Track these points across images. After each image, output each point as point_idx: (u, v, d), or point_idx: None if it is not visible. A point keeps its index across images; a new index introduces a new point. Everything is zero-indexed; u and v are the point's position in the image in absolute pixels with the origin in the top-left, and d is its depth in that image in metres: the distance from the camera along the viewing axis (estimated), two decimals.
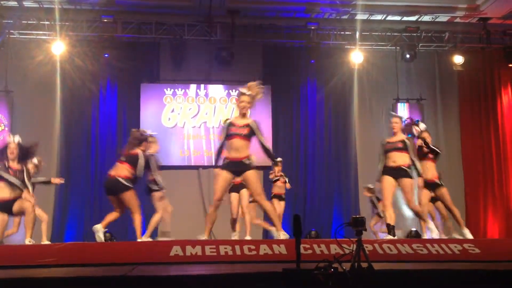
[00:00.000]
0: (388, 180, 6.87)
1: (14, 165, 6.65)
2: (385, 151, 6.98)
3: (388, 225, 6.79)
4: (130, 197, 6.73)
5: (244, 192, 8.16)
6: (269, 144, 6.60)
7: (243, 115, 6.18)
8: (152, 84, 11.46)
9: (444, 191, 7.59)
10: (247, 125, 6.06)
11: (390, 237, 6.57)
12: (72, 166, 10.96)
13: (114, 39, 10.68)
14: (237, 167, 6.03)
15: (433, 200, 7.83)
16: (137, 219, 6.82)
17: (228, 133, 6.09)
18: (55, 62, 10.50)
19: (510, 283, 3.87)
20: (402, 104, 11.72)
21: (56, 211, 10.54)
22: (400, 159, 6.85)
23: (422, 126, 8.06)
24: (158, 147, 7.78)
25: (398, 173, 6.81)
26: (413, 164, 6.86)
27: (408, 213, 11.49)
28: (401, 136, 6.98)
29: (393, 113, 7.97)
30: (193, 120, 11.40)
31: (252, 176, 6.04)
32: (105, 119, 11.20)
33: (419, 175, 6.92)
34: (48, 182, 8.53)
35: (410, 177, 6.81)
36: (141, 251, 5.51)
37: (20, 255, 5.37)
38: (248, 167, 6.00)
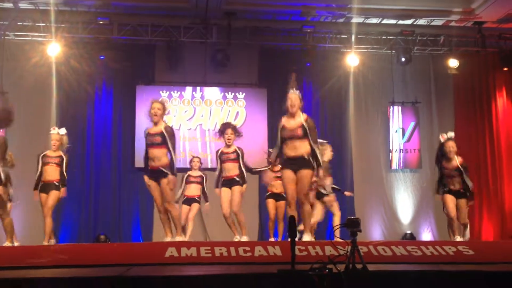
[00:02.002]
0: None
1: None
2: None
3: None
4: None
5: (236, 188, 7.75)
6: None
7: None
8: (148, 86, 11.45)
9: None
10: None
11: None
12: (67, 167, 10.93)
13: (110, 41, 10.67)
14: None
15: None
16: None
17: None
18: (50, 64, 10.49)
19: (504, 284, 3.89)
20: (398, 107, 11.78)
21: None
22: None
23: None
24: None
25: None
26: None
27: (403, 216, 11.57)
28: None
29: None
30: (188, 122, 11.39)
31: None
32: (101, 120, 11.19)
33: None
34: None
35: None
36: (136, 252, 5.51)
37: (15, 256, 5.36)
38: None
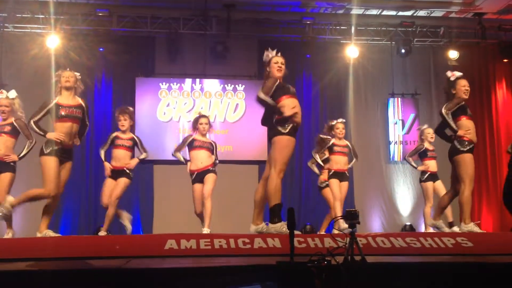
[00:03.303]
0: None
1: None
2: None
3: None
4: None
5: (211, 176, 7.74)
6: None
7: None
8: (147, 78, 11.44)
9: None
10: None
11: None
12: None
13: (109, 33, 10.64)
14: None
15: None
16: None
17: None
18: (49, 56, 10.44)
19: (502, 276, 3.90)
20: (397, 98, 11.77)
21: None
22: None
23: None
24: None
25: None
26: None
27: (402, 208, 11.59)
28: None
29: None
30: (188, 114, 11.37)
31: None
32: (100, 113, 11.18)
33: None
34: None
35: None
36: (136, 244, 5.52)
37: (14, 248, 5.37)
38: None
